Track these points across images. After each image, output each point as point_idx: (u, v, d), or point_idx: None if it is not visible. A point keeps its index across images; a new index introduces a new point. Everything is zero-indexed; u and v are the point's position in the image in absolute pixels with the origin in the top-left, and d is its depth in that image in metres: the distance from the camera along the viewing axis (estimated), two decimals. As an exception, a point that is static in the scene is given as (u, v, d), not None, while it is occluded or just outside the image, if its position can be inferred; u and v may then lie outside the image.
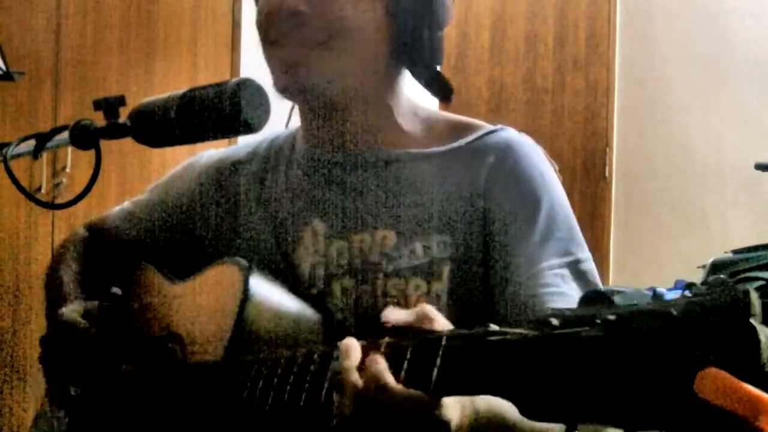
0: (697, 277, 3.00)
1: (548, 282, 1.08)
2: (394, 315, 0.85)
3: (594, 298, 0.67)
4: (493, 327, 0.74)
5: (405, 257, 1.15)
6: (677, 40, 4.56)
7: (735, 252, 3.04)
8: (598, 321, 0.64)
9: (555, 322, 0.67)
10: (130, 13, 3.62)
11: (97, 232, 1.41)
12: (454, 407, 0.82)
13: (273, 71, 1.17)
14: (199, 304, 1.16)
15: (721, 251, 3.09)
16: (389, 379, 0.79)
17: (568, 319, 0.66)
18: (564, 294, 1.07)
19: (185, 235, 1.32)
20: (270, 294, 1.11)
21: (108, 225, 1.40)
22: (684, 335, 0.60)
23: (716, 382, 0.57)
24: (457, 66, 4.72)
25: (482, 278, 1.13)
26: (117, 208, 1.41)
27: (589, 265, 1.13)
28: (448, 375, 0.76)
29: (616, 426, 0.63)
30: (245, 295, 1.06)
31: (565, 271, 1.10)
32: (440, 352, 0.77)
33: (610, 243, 4.55)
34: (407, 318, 0.84)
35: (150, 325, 1.23)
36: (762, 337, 0.58)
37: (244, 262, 1.11)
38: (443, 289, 1.13)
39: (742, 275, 2.85)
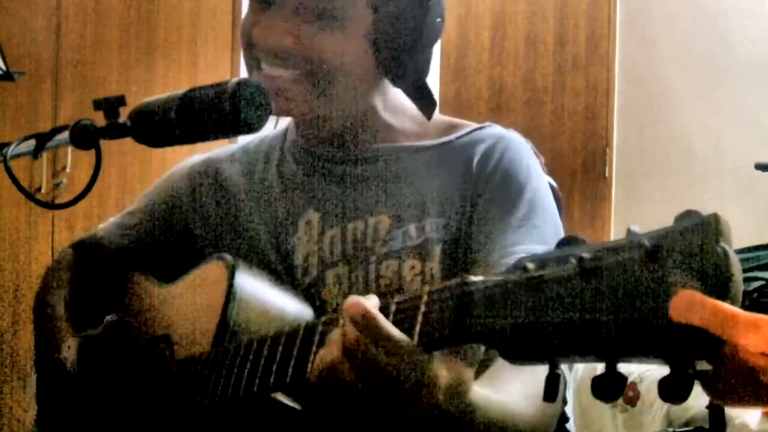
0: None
1: None
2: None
3: (568, 241, 0.68)
4: (471, 277, 0.75)
5: (399, 239, 1.16)
6: (677, 40, 4.55)
7: (735, 252, 3.04)
8: (573, 260, 0.65)
9: (531, 265, 0.68)
10: (130, 13, 3.62)
11: (86, 247, 1.41)
12: (442, 367, 0.82)
13: None
14: (187, 304, 1.17)
15: (721, 251, 3.08)
16: (381, 322, 0.80)
17: (542, 261, 0.68)
18: None
19: (179, 234, 1.33)
20: (256, 289, 1.11)
21: (99, 238, 1.40)
22: (656, 263, 0.61)
23: (689, 303, 0.58)
24: (457, 66, 4.72)
25: (467, 259, 1.15)
26: (103, 224, 1.42)
27: None
28: (431, 327, 0.78)
29: (597, 359, 0.64)
30: (229, 292, 1.06)
31: None
32: (422, 307, 0.78)
33: (610, 243, 4.55)
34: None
35: (144, 329, 1.23)
36: (732, 258, 0.59)
37: (229, 258, 1.11)
38: (437, 269, 1.14)
39: (742, 275, 2.85)
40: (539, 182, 1.19)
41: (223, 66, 3.80)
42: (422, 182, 1.19)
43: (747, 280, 2.84)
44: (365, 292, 1.15)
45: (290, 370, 0.90)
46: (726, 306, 0.57)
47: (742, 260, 2.95)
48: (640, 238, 0.63)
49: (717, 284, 0.59)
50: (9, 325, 3.35)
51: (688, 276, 0.59)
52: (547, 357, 0.67)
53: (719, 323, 0.57)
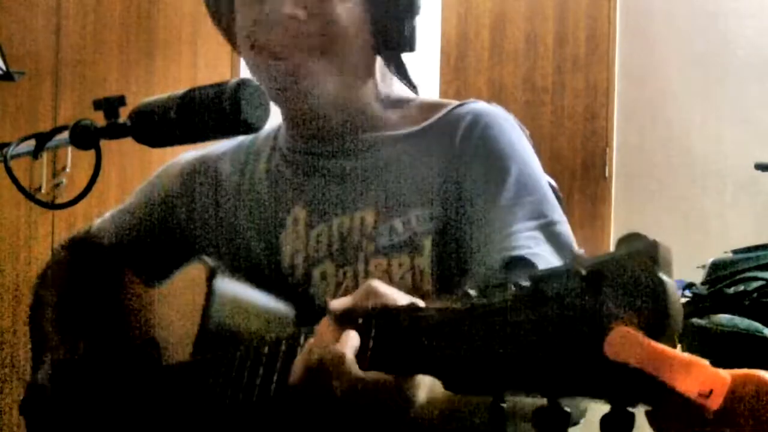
0: (697, 277, 3.00)
1: (520, 244, 1.06)
2: (337, 303, 0.85)
3: (514, 263, 0.66)
4: (419, 303, 0.74)
5: (385, 235, 1.15)
6: (677, 40, 4.55)
7: (735, 252, 3.04)
8: (513, 287, 0.63)
9: (472, 292, 0.66)
10: (130, 13, 3.62)
11: (79, 245, 1.41)
12: (422, 385, 0.81)
13: (268, 83, 1.16)
14: (172, 307, 1.17)
15: (721, 251, 3.09)
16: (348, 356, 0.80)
17: (484, 288, 0.66)
18: (537, 255, 1.04)
19: (173, 233, 1.33)
20: (236, 291, 1.11)
21: (92, 235, 1.40)
22: (592, 293, 0.58)
23: (623, 341, 0.56)
24: (457, 66, 4.72)
25: (460, 249, 1.13)
26: (99, 219, 1.42)
27: (563, 228, 1.11)
28: (380, 353, 0.77)
29: (539, 394, 0.62)
30: (209, 294, 1.07)
31: (538, 233, 1.08)
32: (372, 333, 0.78)
33: (610, 243, 4.55)
34: (351, 301, 0.84)
35: (133, 331, 1.23)
36: (671, 291, 0.57)
37: (209, 261, 1.11)
38: (427, 263, 1.12)
39: (742, 275, 2.85)
40: (524, 155, 1.16)
41: (223, 66, 3.79)
42: (406, 173, 1.17)
43: (747, 280, 2.84)
44: (354, 290, 1.15)
45: (256, 388, 0.91)
46: (660, 346, 0.55)
47: (742, 260, 2.95)
48: (578, 265, 0.60)
49: (653, 319, 0.56)
50: (9, 325, 3.35)
51: (625, 309, 0.57)
52: (487, 389, 0.65)
53: (653, 364, 0.55)
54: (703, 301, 2.82)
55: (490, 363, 0.64)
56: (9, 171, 1.07)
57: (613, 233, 4.58)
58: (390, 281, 1.13)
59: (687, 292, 2.88)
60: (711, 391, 0.54)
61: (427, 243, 1.13)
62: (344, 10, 1.15)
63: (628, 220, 4.58)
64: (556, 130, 4.62)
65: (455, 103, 1.22)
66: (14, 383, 3.32)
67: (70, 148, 1.10)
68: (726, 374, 0.55)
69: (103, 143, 1.08)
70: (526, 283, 0.62)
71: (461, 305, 0.67)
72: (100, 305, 1.30)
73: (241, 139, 1.32)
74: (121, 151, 3.41)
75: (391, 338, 0.75)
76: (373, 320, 0.78)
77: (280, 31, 1.14)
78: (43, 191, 3.33)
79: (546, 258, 1.04)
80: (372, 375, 0.78)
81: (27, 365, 3.40)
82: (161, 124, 1.07)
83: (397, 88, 1.27)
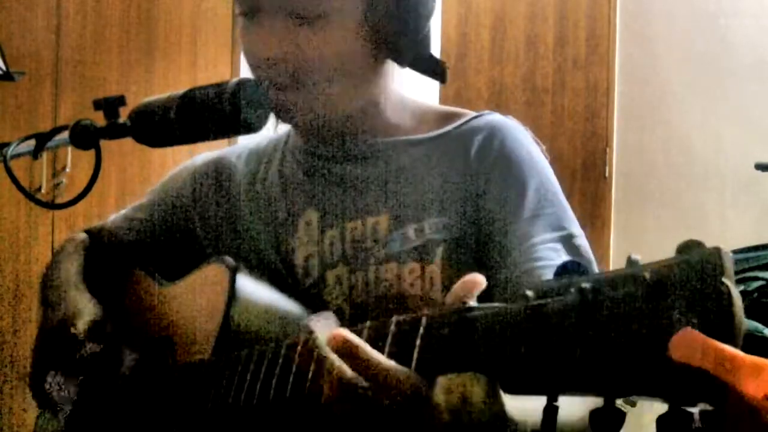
0: (697, 277, 2.99)
1: (542, 256, 1.06)
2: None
3: (570, 267, 0.67)
4: (472, 303, 0.74)
5: (398, 241, 1.14)
6: (677, 40, 4.55)
7: (735, 252, 3.04)
8: (573, 290, 0.64)
9: (531, 294, 0.67)
10: (130, 13, 3.62)
11: (95, 237, 1.41)
12: (442, 389, 0.80)
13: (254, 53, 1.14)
14: (188, 306, 1.16)
15: (721, 251, 3.08)
16: (372, 354, 0.79)
17: (543, 290, 0.66)
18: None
19: (182, 234, 1.33)
20: (257, 293, 1.10)
21: (107, 230, 1.40)
22: (657, 298, 0.59)
23: (689, 343, 0.57)
24: (457, 66, 4.72)
25: (476, 260, 1.12)
26: (114, 215, 1.42)
27: (582, 241, 1.11)
28: (429, 353, 0.76)
29: (596, 394, 0.63)
30: (231, 294, 1.06)
31: (558, 245, 1.08)
32: (420, 331, 0.77)
33: (610, 243, 4.55)
34: None
35: (145, 328, 1.23)
36: (735, 297, 0.57)
37: (231, 261, 1.10)
38: (437, 272, 1.12)
39: (742, 275, 2.85)
40: (543, 168, 1.17)
41: (223, 66, 3.80)
42: (421, 179, 1.17)
43: (747, 279, 2.84)
44: (365, 294, 1.15)
45: (272, 391, 0.90)
46: (727, 348, 0.56)
47: (742, 260, 2.95)
48: (642, 271, 0.61)
49: (719, 324, 0.57)
50: (9, 325, 3.35)
51: (690, 314, 0.58)
52: (543, 389, 0.66)
53: (720, 365, 0.56)
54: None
55: (550, 364, 0.64)
56: (9, 171, 1.07)
57: (613, 233, 4.58)
58: (400, 287, 1.13)
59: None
60: None
61: (439, 251, 1.12)
62: (331, 44, 1.12)
63: (628, 220, 4.58)
64: (556, 130, 4.62)
65: (471, 114, 1.22)
66: (14, 383, 3.33)
67: (70, 148, 1.11)
68: None
69: (103, 143, 1.08)
70: (587, 285, 0.63)
71: (519, 306, 0.67)
72: (110, 301, 1.30)
73: (257, 140, 1.32)
74: (121, 151, 3.41)
75: (440, 340, 0.75)
76: (420, 322, 0.77)
77: (263, 61, 1.13)
78: (43, 191, 3.34)
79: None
80: (395, 369, 0.78)
81: (27, 365, 3.40)
82: (161, 124, 1.07)
83: (412, 94, 1.26)
